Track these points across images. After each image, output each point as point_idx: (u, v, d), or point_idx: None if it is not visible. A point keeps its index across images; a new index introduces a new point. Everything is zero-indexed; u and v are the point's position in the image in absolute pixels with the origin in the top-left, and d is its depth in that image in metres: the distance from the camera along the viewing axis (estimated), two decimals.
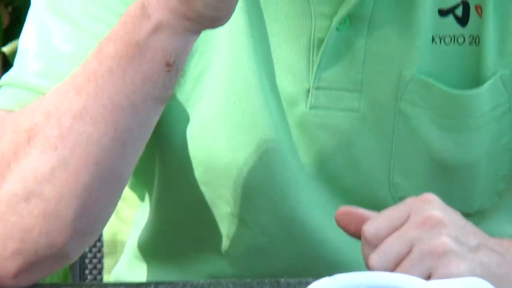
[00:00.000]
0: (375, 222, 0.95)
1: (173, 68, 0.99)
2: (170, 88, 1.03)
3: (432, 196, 0.97)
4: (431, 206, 0.96)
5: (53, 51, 1.09)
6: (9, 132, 1.02)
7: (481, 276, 0.91)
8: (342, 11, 1.08)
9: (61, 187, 0.98)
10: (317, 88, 1.14)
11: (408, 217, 0.94)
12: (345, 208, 1.02)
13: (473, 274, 0.92)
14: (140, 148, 1.04)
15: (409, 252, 0.93)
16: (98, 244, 1.61)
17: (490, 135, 1.10)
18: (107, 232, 1.53)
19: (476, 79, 1.12)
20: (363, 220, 0.97)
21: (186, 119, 1.19)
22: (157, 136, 1.16)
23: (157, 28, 0.96)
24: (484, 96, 1.10)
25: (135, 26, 0.97)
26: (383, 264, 0.93)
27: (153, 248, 1.26)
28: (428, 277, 0.94)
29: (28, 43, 1.12)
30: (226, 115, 1.17)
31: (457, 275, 0.91)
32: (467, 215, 1.04)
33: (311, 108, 1.14)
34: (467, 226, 0.99)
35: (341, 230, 1.00)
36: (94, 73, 0.99)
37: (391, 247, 0.94)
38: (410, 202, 0.96)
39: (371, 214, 0.98)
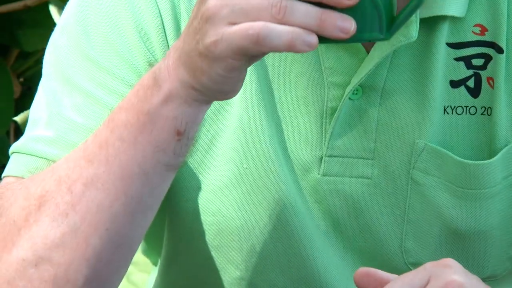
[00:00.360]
0: (395, 286, 0.92)
1: (184, 137, 0.96)
2: (181, 156, 1.00)
3: (452, 261, 0.94)
4: (452, 271, 0.93)
5: (63, 120, 1.08)
6: (21, 198, 1.01)
7: None
8: (355, 81, 1.07)
9: (71, 253, 0.96)
10: (330, 156, 1.13)
11: (428, 282, 0.90)
12: (364, 270, 0.98)
13: None
14: (151, 214, 1.02)
15: None
16: None
17: (503, 203, 1.08)
18: None
19: (488, 149, 1.10)
20: (382, 283, 0.94)
21: (198, 185, 1.17)
22: (167, 201, 1.15)
23: (168, 98, 0.94)
24: (496, 166, 1.08)
25: (146, 95, 0.95)
26: None
27: None
28: None
29: (39, 111, 1.11)
30: (238, 180, 1.15)
31: None
32: None
33: (324, 175, 1.13)
34: None
35: None
36: (105, 141, 0.97)
37: None
38: (429, 267, 0.93)
39: (390, 277, 0.95)
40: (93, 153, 0.98)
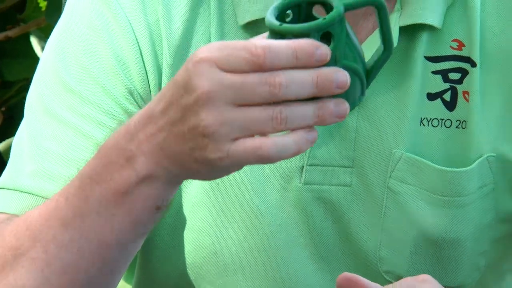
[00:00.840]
0: None
1: (164, 208, 0.97)
2: (158, 221, 1.02)
3: (428, 277, 0.96)
4: (428, 286, 0.95)
5: (43, 151, 1.09)
6: None
7: None
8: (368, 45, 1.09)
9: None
10: (311, 165, 1.14)
11: None
12: (347, 275, 0.98)
13: None
14: (126, 267, 1.03)
15: None
16: None
17: (476, 213, 1.10)
18: None
19: (463, 160, 1.12)
20: None
21: (179, 200, 1.19)
22: None
23: (147, 180, 0.95)
24: (472, 175, 1.10)
25: (121, 175, 0.95)
26: None
27: None
28: None
29: (21, 144, 1.12)
30: (211, 196, 1.17)
31: None
32: None
33: (305, 183, 1.14)
34: None
35: None
36: (80, 211, 0.97)
37: None
38: (409, 281, 0.95)
39: (372, 285, 0.95)
40: (68, 218, 0.98)
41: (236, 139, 0.85)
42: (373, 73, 0.94)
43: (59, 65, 1.16)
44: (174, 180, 0.93)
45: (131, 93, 1.16)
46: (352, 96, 0.89)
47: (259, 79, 0.84)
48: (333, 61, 0.87)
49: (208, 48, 0.88)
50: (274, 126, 0.84)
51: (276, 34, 0.88)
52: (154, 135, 0.92)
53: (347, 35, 0.91)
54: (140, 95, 1.17)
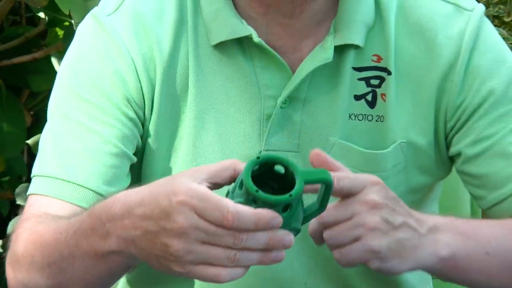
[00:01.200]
0: (341, 175, 1.03)
1: (133, 266, 1.13)
2: (132, 271, 1.20)
3: (378, 181, 1.06)
4: (376, 189, 1.06)
5: (62, 148, 1.21)
6: (21, 245, 1.16)
7: (395, 248, 1.06)
8: (284, 94, 1.19)
9: None
10: (267, 150, 1.24)
11: (361, 190, 1.05)
12: (317, 150, 1.09)
13: (389, 247, 1.06)
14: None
15: (349, 218, 1.04)
16: None
17: (391, 185, 1.13)
18: None
19: (381, 145, 1.22)
20: (330, 166, 1.05)
21: (165, 172, 1.28)
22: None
23: (115, 253, 1.04)
24: (388, 156, 1.20)
25: (99, 242, 1.05)
26: (327, 218, 1.04)
27: None
28: (355, 241, 1.05)
29: (46, 144, 1.23)
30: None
31: (376, 247, 1.05)
32: None
33: None
34: (398, 207, 1.09)
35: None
36: (72, 253, 1.09)
37: (337, 212, 1.05)
38: (366, 177, 1.06)
39: (336, 163, 1.08)
40: (65, 254, 1.10)
41: (197, 264, 0.96)
42: (307, 220, 1.04)
43: (72, 80, 1.24)
44: (138, 259, 1.05)
45: (128, 101, 1.23)
46: (294, 225, 0.99)
47: (227, 233, 0.94)
48: (286, 224, 0.96)
49: (192, 194, 0.96)
50: (228, 263, 0.95)
51: (250, 194, 0.96)
52: (129, 228, 1.00)
53: (301, 203, 1.01)
54: (136, 102, 1.24)
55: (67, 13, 2.18)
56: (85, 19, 1.33)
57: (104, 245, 1.06)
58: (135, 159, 1.26)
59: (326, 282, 1.26)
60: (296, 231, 1.00)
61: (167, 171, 1.30)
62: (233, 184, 1.03)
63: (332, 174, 1.02)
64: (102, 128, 1.21)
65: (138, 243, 1.02)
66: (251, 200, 0.96)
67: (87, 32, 1.28)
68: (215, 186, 1.02)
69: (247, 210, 0.94)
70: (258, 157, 1.00)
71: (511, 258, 1.21)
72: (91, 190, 1.21)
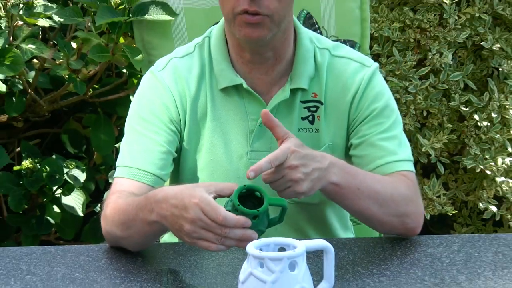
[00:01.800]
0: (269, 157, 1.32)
1: (167, 231, 1.38)
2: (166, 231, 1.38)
3: (293, 149, 1.33)
4: (293, 156, 1.33)
5: (131, 150, 1.53)
6: (109, 208, 1.47)
7: (311, 185, 1.33)
8: (274, 100, 1.50)
9: (125, 240, 1.47)
10: (252, 151, 1.56)
11: (286, 160, 1.31)
12: (266, 111, 1.38)
13: (308, 187, 1.34)
14: (154, 240, 1.50)
15: (282, 178, 1.34)
16: None
17: None
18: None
19: (318, 147, 1.53)
20: (271, 121, 1.35)
21: (193, 167, 1.61)
22: (175, 180, 1.65)
23: (154, 223, 1.32)
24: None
25: (146, 214, 1.33)
26: (270, 179, 1.36)
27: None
28: (287, 189, 1.35)
29: (124, 147, 1.54)
30: (210, 166, 1.61)
31: (301, 190, 1.34)
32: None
33: (249, 159, 1.57)
34: (308, 160, 1.34)
35: None
36: (134, 217, 1.38)
37: (274, 175, 1.34)
38: (286, 150, 1.33)
39: (282, 127, 1.37)
40: (131, 217, 1.39)
41: (198, 239, 1.22)
42: (270, 226, 1.25)
43: (138, 108, 1.57)
44: (167, 228, 1.29)
45: (171, 120, 1.56)
46: (261, 227, 1.23)
47: (218, 226, 1.21)
48: (254, 226, 1.19)
49: (202, 200, 1.21)
50: (217, 242, 1.20)
51: (234, 206, 1.20)
52: (164, 210, 1.26)
53: (267, 216, 1.24)
54: (175, 121, 1.56)
55: (139, 69, 2.51)
56: (146, 73, 1.64)
57: (150, 216, 1.32)
58: (175, 154, 1.59)
59: (285, 226, 1.45)
60: (261, 232, 1.22)
61: (195, 162, 1.60)
62: (228, 198, 1.26)
63: (268, 159, 1.28)
64: (155, 135, 1.54)
65: (167, 220, 1.27)
66: (235, 210, 1.19)
67: (147, 80, 1.61)
68: (219, 196, 1.27)
69: (230, 215, 1.19)
70: (244, 185, 1.23)
71: (373, 196, 1.49)
72: (149, 172, 1.53)
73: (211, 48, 1.56)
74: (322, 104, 1.56)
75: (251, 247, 1.14)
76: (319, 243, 1.17)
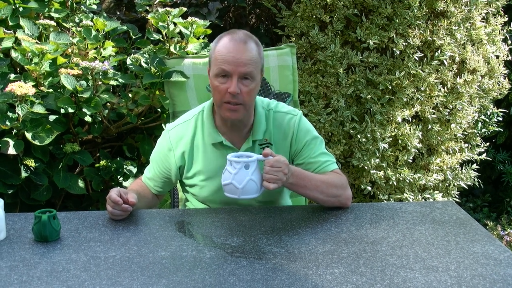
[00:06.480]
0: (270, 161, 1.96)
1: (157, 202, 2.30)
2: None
3: (284, 161, 1.96)
4: (281, 165, 2.05)
5: (148, 171, 2.55)
6: (132, 186, 2.48)
7: (280, 184, 2.07)
8: (243, 148, 2.26)
9: (140, 201, 2.34)
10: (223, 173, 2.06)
11: (282, 164, 1.98)
12: (267, 149, 1.99)
13: (279, 185, 2.06)
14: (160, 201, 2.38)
15: (278, 168, 2.04)
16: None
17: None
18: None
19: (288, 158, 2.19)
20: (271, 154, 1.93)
21: (193, 185, 2.35)
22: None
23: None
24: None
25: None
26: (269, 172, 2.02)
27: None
28: (273, 177, 2.04)
29: (148, 166, 2.55)
30: (208, 181, 2.36)
31: (276, 187, 2.06)
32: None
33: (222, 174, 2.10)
34: (285, 170, 2.03)
35: None
36: (139, 193, 2.30)
37: (275, 162, 2.05)
38: (282, 161, 1.96)
39: (274, 154, 2.01)
40: (138, 192, 2.31)
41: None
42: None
43: (154, 150, 2.43)
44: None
45: (169, 169, 2.38)
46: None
47: (111, 203, 2.00)
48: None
49: (112, 192, 1.87)
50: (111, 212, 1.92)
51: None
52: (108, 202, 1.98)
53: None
54: (173, 170, 2.34)
55: (167, 109, 3.11)
56: (165, 129, 2.34)
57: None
58: (174, 184, 2.33)
59: (260, 197, 2.07)
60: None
61: (193, 176, 2.24)
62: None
63: (271, 153, 1.69)
64: (151, 182, 2.43)
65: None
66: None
67: (162, 134, 2.37)
68: (121, 193, 1.97)
69: (113, 198, 1.80)
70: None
71: (317, 188, 2.10)
72: (151, 186, 2.45)
73: (203, 119, 2.29)
74: (271, 144, 2.27)
75: (230, 156, 1.73)
76: (262, 158, 1.76)
